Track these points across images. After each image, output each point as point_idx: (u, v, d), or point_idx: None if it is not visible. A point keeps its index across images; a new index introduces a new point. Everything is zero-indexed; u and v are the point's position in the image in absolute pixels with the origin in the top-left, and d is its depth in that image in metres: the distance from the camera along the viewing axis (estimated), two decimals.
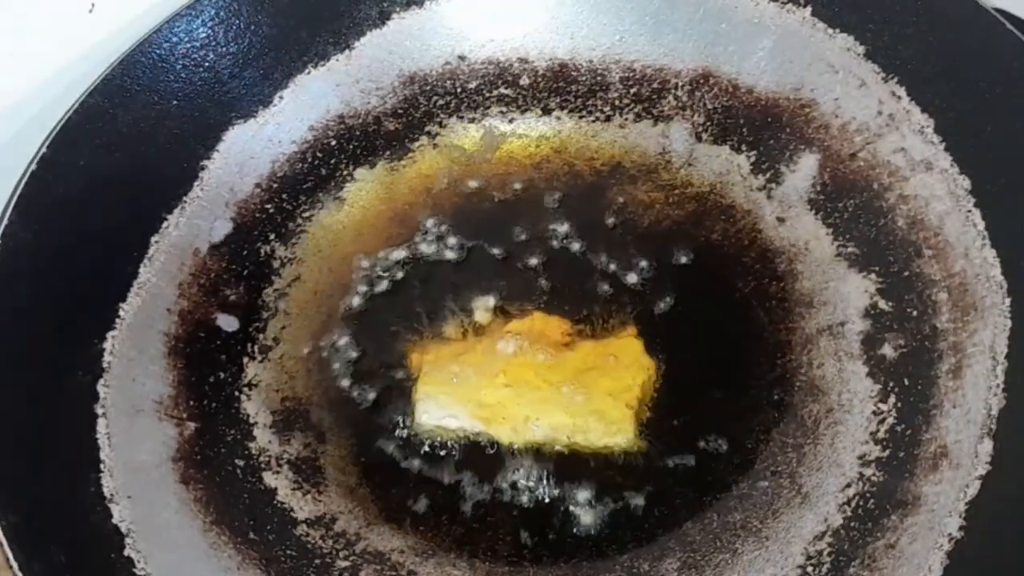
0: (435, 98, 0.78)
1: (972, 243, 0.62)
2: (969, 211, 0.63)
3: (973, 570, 0.53)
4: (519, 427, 0.65)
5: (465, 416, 0.66)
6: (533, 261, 0.73)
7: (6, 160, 0.66)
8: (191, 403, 0.65)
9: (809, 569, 0.58)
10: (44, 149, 0.65)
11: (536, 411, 0.65)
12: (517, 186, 0.77)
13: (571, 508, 0.62)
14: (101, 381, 0.62)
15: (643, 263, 0.72)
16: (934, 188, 0.65)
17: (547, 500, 0.63)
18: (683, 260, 0.72)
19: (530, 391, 0.66)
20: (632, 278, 0.71)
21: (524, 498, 0.63)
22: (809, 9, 0.71)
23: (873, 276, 0.66)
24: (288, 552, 0.61)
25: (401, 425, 0.67)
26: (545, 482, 0.63)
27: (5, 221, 0.62)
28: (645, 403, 0.66)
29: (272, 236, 0.73)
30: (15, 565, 0.51)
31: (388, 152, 0.78)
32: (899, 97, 0.68)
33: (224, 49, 0.72)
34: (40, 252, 0.63)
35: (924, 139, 0.66)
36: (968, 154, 0.64)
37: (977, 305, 0.61)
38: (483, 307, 0.70)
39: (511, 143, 0.78)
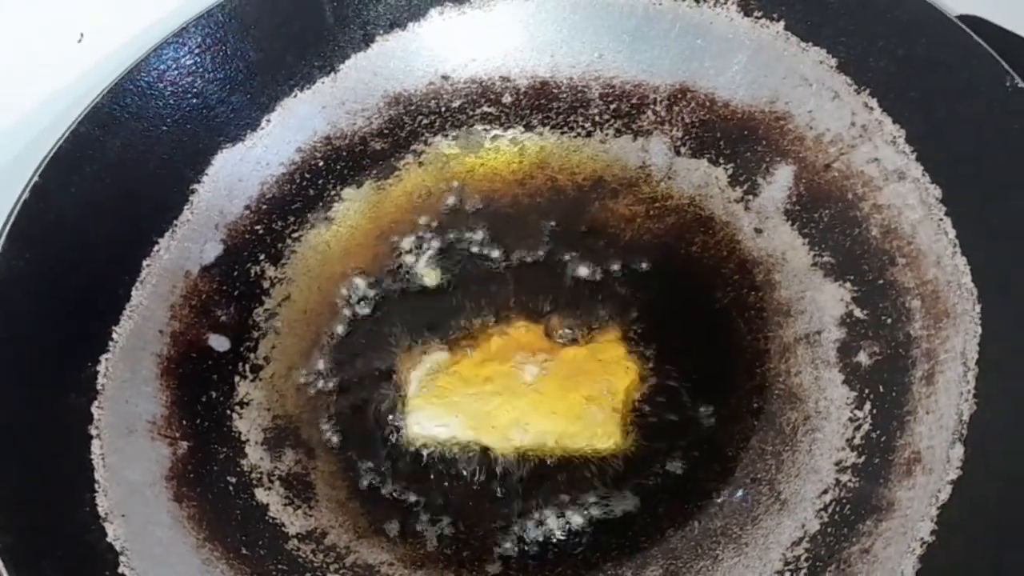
0: (420, 117, 0.80)
1: (944, 251, 0.63)
2: (941, 219, 0.64)
3: (945, 574, 0.54)
4: (508, 434, 0.67)
5: (455, 425, 0.67)
6: (517, 273, 0.74)
7: None
8: (184, 422, 0.67)
9: (787, 574, 0.59)
10: (36, 177, 0.66)
11: (524, 417, 0.67)
12: (501, 201, 0.78)
13: (557, 518, 0.63)
14: (95, 403, 0.64)
15: (624, 274, 0.73)
16: (907, 197, 0.66)
17: (533, 510, 0.64)
18: (664, 271, 0.73)
19: (517, 398, 0.68)
20: (614, 288, 0.72)
21: (512, 508, 0.64)
22: (783, 24, 0.72)
23: (848, 285, 0.68)
24: (280, 567, 0.62)
25: (391, 438, 0.68)
26: (532, 492, 0.65)
27: None
28: (630, 406, 0.67)
29: (262, 257, 0.75)
30: None
31: (375, 171, 0.79)
32: (871, 108, 0.69)
33: (211, 75, 0.74)
34: (34, 278, 0.64)
35: (896, 149, 0.67)
36: (939, 163, 0.65)
37: (949, 312, 0.62)
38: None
39: (494, 159, 0.80)
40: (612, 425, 0.66)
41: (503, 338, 0.70)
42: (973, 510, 0.55)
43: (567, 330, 0.71)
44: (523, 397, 0.68)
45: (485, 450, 0.67)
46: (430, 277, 0.75)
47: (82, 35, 0.71)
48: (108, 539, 0.59)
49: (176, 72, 0.72)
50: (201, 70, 0.73)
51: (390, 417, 0.69)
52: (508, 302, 0.73)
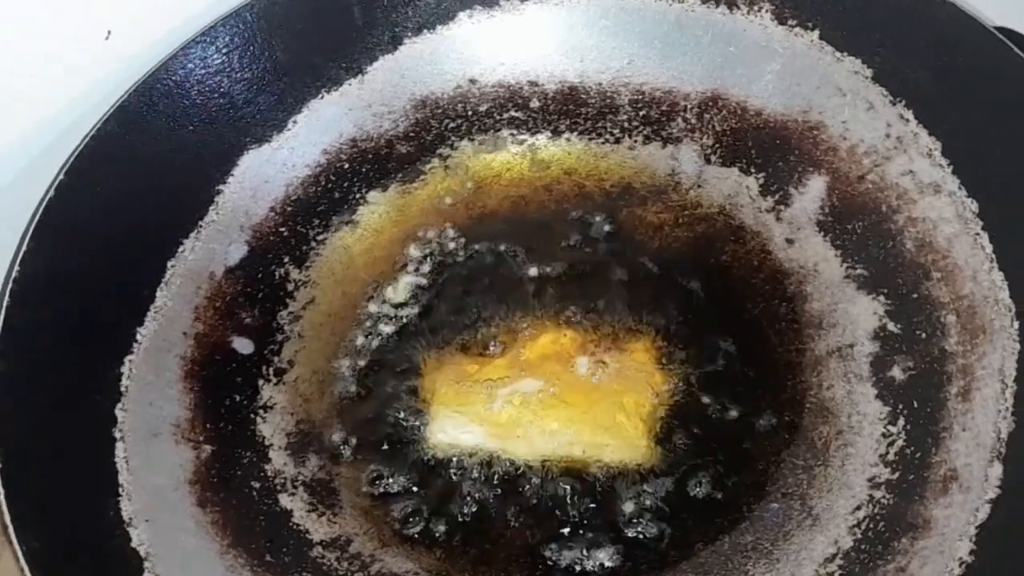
0: (446, 121, 0.79)
1: (980, 266, 0.63)
2: (977, 234, 0.64)
3: None
4: (534, 443, 0.66)
5: (480, 433, 0.67)
6: (544, 280, 0.73)
7: (24, 187, 0.67)
8: (207, 426, 0.66)
9: None
10: (61, 176, 0.65)
11: (550, 427, 0.66)
12: (527, 207, 0.78)
13: (587, 533, 0.63)
14: (119, 405, 0.63)
15: (653, 283, 0.72)
16: (942, 211, 0.66)
17: (562, 523, 0.63)
18: (692, 281, 0.72)
19: (544, 408, 0.67)
20: (642, 297, 0.72)
21: (538, 519, 0.64)
22: (817, 32, 0.72)
23: (882, 298, 0.67)
24: (304, 574, 0.62)
25: (415, 445, 0.67)
26: (560, 504, 0.64)
27: (24, 247, 0.62)
28: (658, 418, 0.66)
29: (287, 259, 0.74)
30: None
31: (400, 175, 0.78)
32: (907, 120, 0.68)
33: (238, 75, 0.73)
34: (58, 278, 0.64)
35: (932, 162, 0.67)
36: (976, 177, 0.65)
37: (986, 328, 0.61)
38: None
39: (521, 165, 0.79)
40: (640, 437, 0.66)
41: (530, 346, 0.70)
42: (1013, 530, 0.54)
43: (595, 339, 0.70)
44: (550, 407, 0.67)
45: (511, 461, 0.66)
46: (454, 283, 0.74)
47: (109, 32, 0.71)
48: (133, 544, 0.58)
49: (203, 71, 0.72)
50: (228, 70, 0.73)
51: (414, 424, 0.68)
52: (535, 310, 0.72)
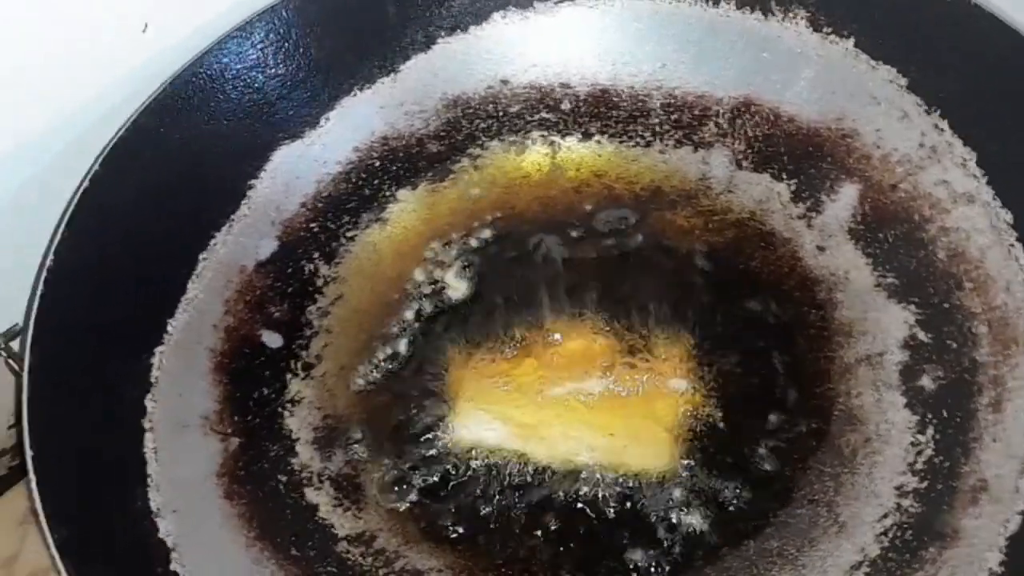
0: (477, 121, 0.79)
1: (1014, 277, 0.63)
2: (1012, 245, 0.63)
3: None
4: (557, 446, 0.66)
5: (503, 432, 0.67)
6: (574, 282, 0.73)
7: (59, 177, 0.68)
8: (235, 418, 0.66)
9: None
10: (96, 166, 0.66)
11: (575, 431, 0.66)
12: (557, 208, 0.78)
13: (611, 537, 0.63)
14: (149, 396, 0.63)
15: (682, 289, 0.72)
16: (976, 221, 0.65)
17: (584, 524, 0.63)
18: (722, 286, 0.72)
19: (569, 412, 0.67)
20: (671, 303, 0.72)
21: (560, 521, 0.64)
22: (852, 40, 0.71)
23: (913, 307, 0.67)
24: (329, 569, 0.62)
25: (441, 442, 0.67)
26: (583, 507, 0.64)
27: (58, 237, 0.63)
28: (685, 427, 0.66)
29: (316, 255, 0.74)
30: None
31: (430, 173, 0.78)
32: (941, 130, 0.68)
33: (273, 71, 0.73)
34: (91, 268, 0.64)
35: (966, 172, 0.66)
36: (1010, 187, 0.65)
37: (1019, 339, 0.61)
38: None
39: (552, 167, 0.79)
40: (665, 446, 0.65)
41: (559, 348, 0.70)
42: None
43: (624, 344, 0.70)
44: (575, 411, 0.67)
45: (535, 462, 0.66)
46: (483, 282, 0.74)
47: (146, 25, 0.71)
48: (160, 534, 0.58)
49: (239, 66, 0.72)
50: (263, 65, 0.73)
51: (440, 422, 0.68)
52: (564, 312, 0.72)
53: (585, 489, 0.64)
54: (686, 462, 0.65)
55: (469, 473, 0.66)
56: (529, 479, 0.65)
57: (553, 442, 0.66)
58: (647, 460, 0.65)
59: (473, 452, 0.67)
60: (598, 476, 0.65)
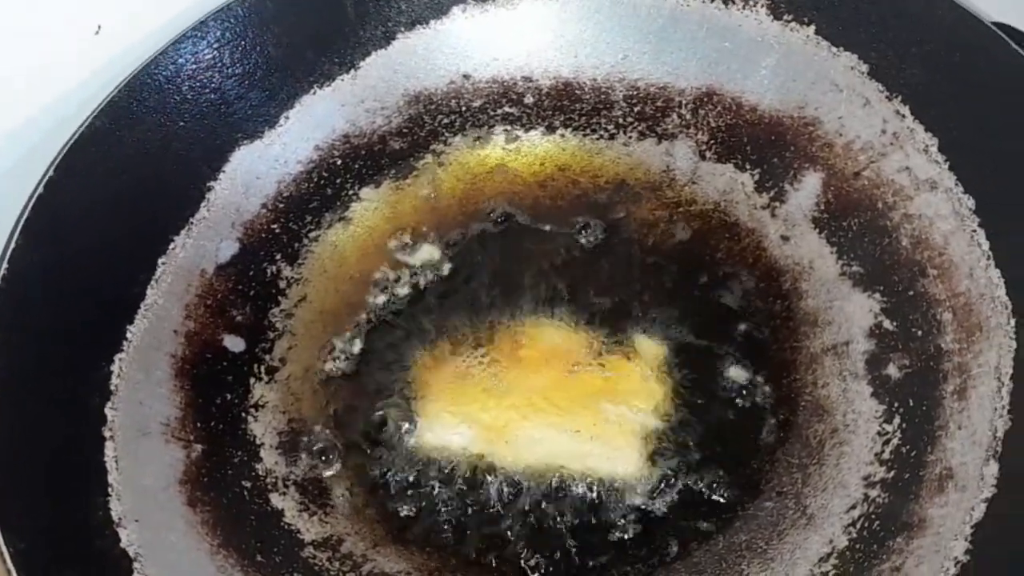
0: (440, 117, 0.78)
1: (977, 263, 0.62)
2: (974, 231, 0.63)
3: None
4: (523, 450, 0.65)
5: (469, 436, 0.66)
6: (539, 278, 0.73)
7: (13, 183, 0.66)
8: (198, 425, 0.65)
9: None
10: (51, 171, 0.65)
11: (541, 434, 0.66)
12: (522, 204, 0.77)
13: (579, 533, 0.62)
14: (108, 404, 0.62)
15: (646, 282, 0.72)
16: (938, 207, 0.65)
17: (553, 525, 0.63)
18: (686, 278, 0.72)
19: (535, 412, 0.66)
20: (635, 297, 0.71)
21: (529, 522, 0.63)
22: (813, 28, 0.71)
23: (877, 295, 0.67)
24: (295, 574, 0.61)
25: (406, 445, 0.67)
26: (551, 507, 0.63)
27: (12, 244, 0.62)
28: (652, 430, 0.66)
29: (278, 256, 0.73)
30: None
31: (393, 171, 0.78)
32: (903, 116, 0.68)
33: (230, 70, 0.72)
34: (47, 275, 0.63)
35: (928, 158, 0.66)
36: (972, 173, 0.65)
37: (982, 326, 0.61)
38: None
39: (515, 161, 0.78)
40: (631, 451, 0.65)
41: (525, 348, 0.69)
42: (1008, 529, 0.54)
43: (591, 342, 0.69)
44: (542, 412, 0.66)
45: (501, 465, 0.65)
46: (446, 272, 0.74)
47: (99, 27, 0.70)
48: (122, 544, 0.57)
49: (194, 67, 0.71)
50: (220, 65, 0.72)
51: (406, 423, 0.67)
52: (529, 309, 0.71)
53: (551, 492, 0.64)
54: (653, 465, 0.64)
55: (435, 475, 0.65)
56: (495, 483, 0.65)
57: (518, 445, 0.66)
58: (612, 464, 0.64)
59: (438, 454, 0.66)
60: (564, 479, 0.64)
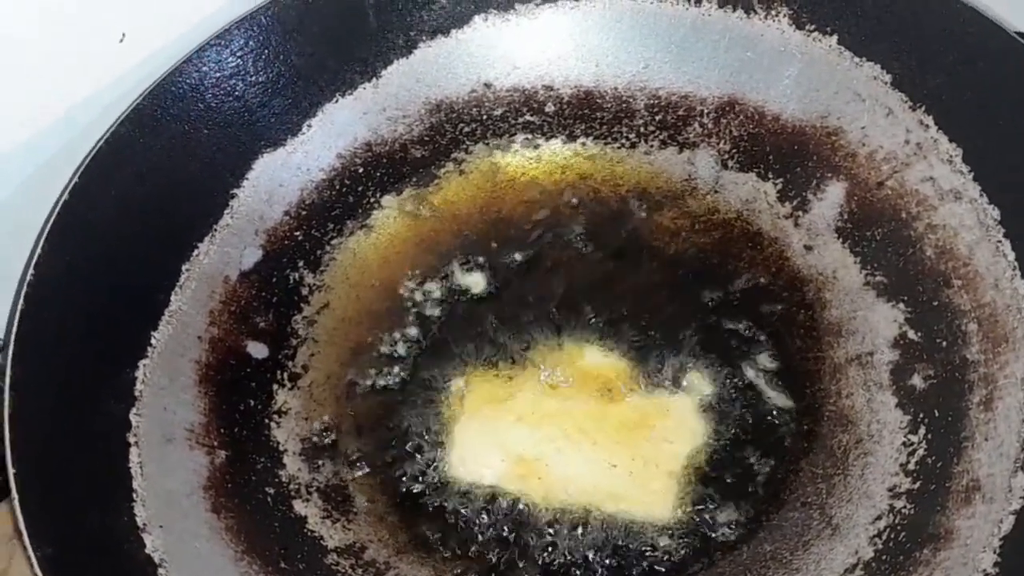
0: (461, 125, 0.78)
1: (1002, 274, 0.62)
2: (999, 241, 0.63)
3: None
4: (554, 488, 0.64)
5: (500, 470, 0.65)
6: (562, 293, 0.73)
7: (38, 189, 0.67)
8: (222, 431, 0.65)
9: None
10: (76, 178, 0.65)
11: (573, 473, 0.65)
12: (542, 212, 0.77)
13: (601, 555, 0.62)
14: (133, 410, 0.62)
15: (670, 294, 0.72)
16: (963, 218, 0.65)
17: (577, 550, 0.62)
18: (708, 289, 0.72)
19: (571, 447, 0.66)
20: (665, 316, 0.71)
21: (553, 546, 0.63)
22: (835, 38, 0.71)
23: (902, 306, 0.66)
24: None
25: (433, 462, 0.66)
26: (576, 538, 0.63)
27: (38, 251, 0.62)
28: (690, 472, 0.65)
29: (301, 263, 0.73)
30: None
31: (414, 179, 0.78)
32: (927, 126, 0.68)
33: (253, 78, 0.72)
34: (72, 281, 0.63)
35: (952, 168, 0.66)
36: (997, 183, 0.64)
37: (1008, 336, 0.61)
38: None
39: (536, 169, 0.78)
40: (667, 495, 0.64)
41: (557, 372, 0.69)
42: None
43: (627, 367, 0.69)
44: (577, 447, 0.66)
45: (530, 500, 0.64)
46: (477, 288, 0.74)
47: (124, 35, 0.70)
48: (147, 550, 0.57)
49: (218, 74, 0.71)
50: (243, 73, 0.72)
51: (432, 435, 0.67)
52: (558, 329, 0.71)
53: (579, 524, 0.63)
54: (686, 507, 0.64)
55: (463, 492, 0.65)
56: (522, 512, 0.64)
57: (549, 483, 0.65)
58: (645, 508, 0.63)
59: (467, 486, 0.65)
60: (593, 516, 0.64)
